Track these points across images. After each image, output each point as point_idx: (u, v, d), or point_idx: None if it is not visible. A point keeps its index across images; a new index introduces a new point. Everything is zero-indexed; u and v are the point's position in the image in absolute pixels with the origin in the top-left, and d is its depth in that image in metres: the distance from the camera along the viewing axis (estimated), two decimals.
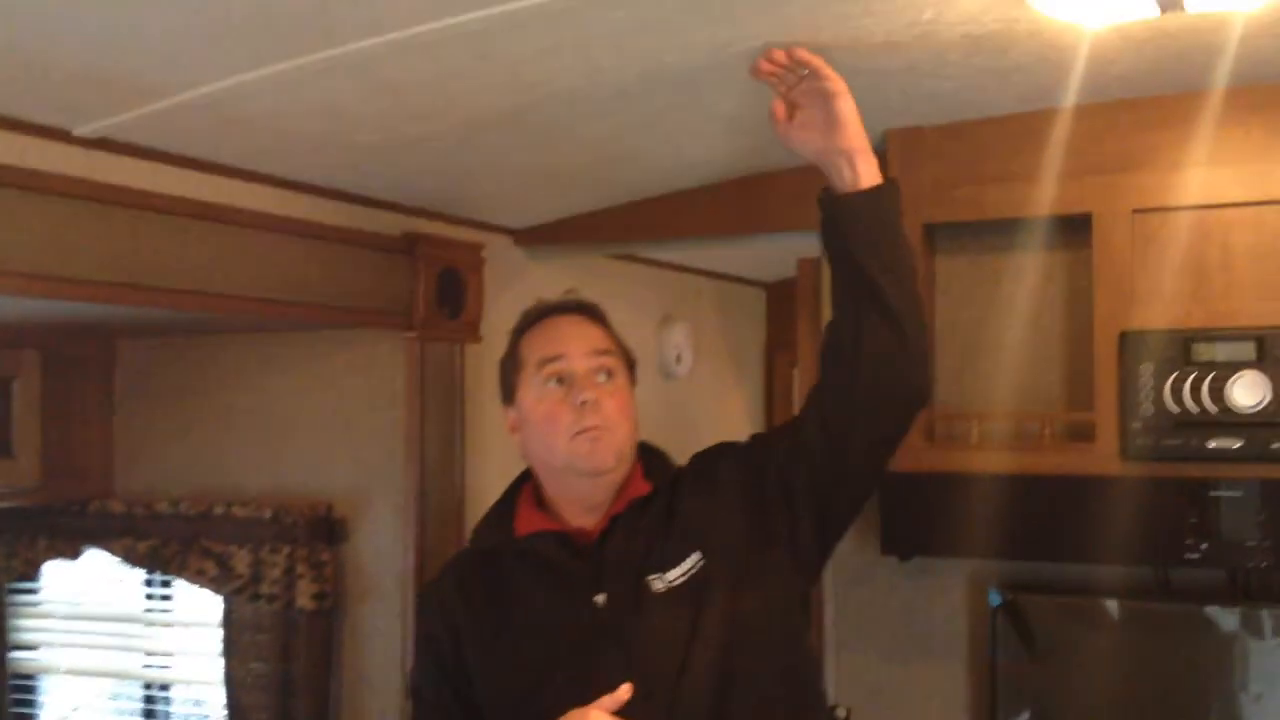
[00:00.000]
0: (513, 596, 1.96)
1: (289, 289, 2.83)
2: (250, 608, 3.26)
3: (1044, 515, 2.77)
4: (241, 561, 3.25)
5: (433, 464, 3.25)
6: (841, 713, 3.11)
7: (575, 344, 1.99)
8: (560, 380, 1.96)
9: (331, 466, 3.34)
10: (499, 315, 3.54)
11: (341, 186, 2.98)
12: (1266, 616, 2.63)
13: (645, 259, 4.30)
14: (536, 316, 2.06)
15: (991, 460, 2.84)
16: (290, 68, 2.07)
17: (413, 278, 3.20)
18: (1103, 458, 2.71)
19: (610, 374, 1.99)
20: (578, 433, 1.91)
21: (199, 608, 3.64)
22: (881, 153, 2.90)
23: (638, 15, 2.01)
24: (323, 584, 3.21)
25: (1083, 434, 2.79)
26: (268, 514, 3.27)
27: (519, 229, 3.64)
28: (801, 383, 3.80)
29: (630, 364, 2.07)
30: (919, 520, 2.91)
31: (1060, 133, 2.72)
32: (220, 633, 3.36)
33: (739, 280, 5.00)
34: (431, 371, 3.27)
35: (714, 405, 4.86)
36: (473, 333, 3.41)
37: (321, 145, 2.64)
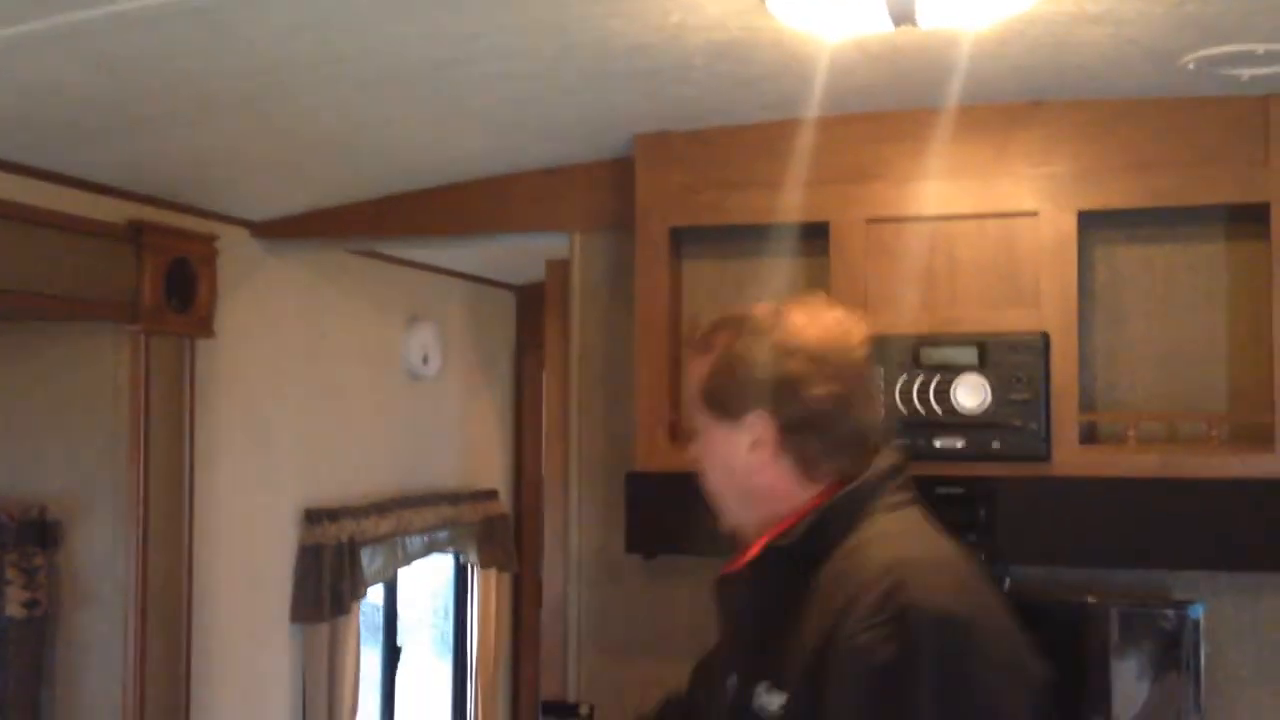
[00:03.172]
0: None
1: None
2: None
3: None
4: None
5: (158, 465, 3.09)
6: (584, 710, 3.12)
7: None
8: None
9: (45, 466, 3.12)
10: (234, 310, 3.40)
11: (60, 169, 2.80)
12: None
13: (391, 257, 4.21)
14: None
15: None
16: None
17: (138, 268, 3.03)
18: None
19: (696, 432, 1.76)
20: None
21: None
22: (629, 157, 2.94)
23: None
24: (34, 590, 3.00)
25: None
26: None
27: (258, 221, 3.50)
28: (550, 386, 3.78)
29: (715, 402, 1.71)
30: (661, 519, 2.93)
31: (802, 142, 2.79)
32: None
33: (488, 282, 4.96)
34: (158, 367, 3.11)
35: (463, 406, 4.80)
36: (205, 327, 3.26)
37: (36, 123, 2.46)
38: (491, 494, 4.86)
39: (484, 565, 4.70)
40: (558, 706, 3.20)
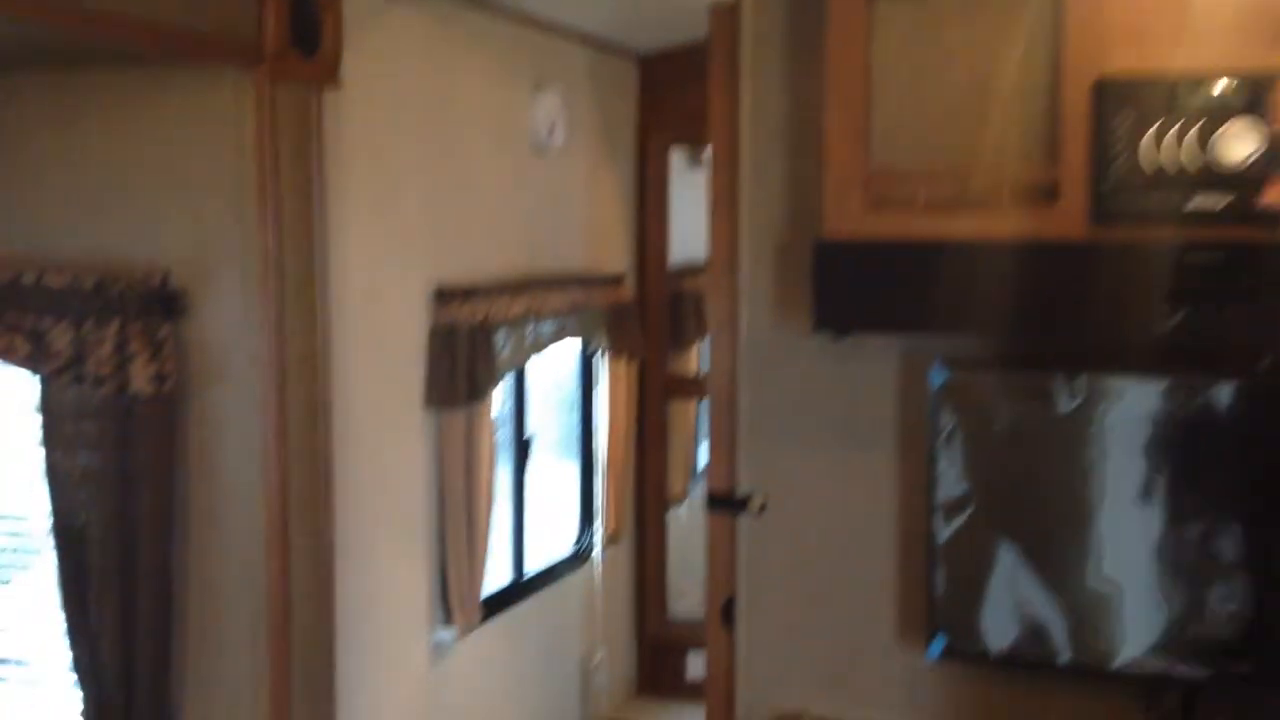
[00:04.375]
0: None
1: None
2: (74, 391, 2.75)
3: (996, 285, 2.48)
4: (60, 338, 2.72)
5: (289, 229, 2.77)
6: (755, 504, 2.85)
7: None
8: None
9: (166, 228, 2.83)
10: (360, 61, 3.04)
11: None
12: (1236, 391, 2.42)
13: (510, 11, 3.80)
14: None
15: (938, 225, 2.53)
16: None
17: (260, 2, 2.67)
18: (1067, 220, 2.43)
19: None
20: None
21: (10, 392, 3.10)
22: None
23: None
24: (161, 364, 2.73)
25: (1044, 195, 2.49)
26: (89, 283, 2.75)
27: None
28: (716, 150, 3.27)
29: None
30: (857, 293, 2.59)
31: None
32: (38, 419, 2.85)
33: (611, 50, 4.54)
34: (285, 119, 2.77)
35: (588, 185, 4.45)
36: (331, 76, 2.91)
37: None
38: (618, 279, 4.54)
39: (614, 353, 4.41)
40: (727, 500, 2.92)
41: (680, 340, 4.96)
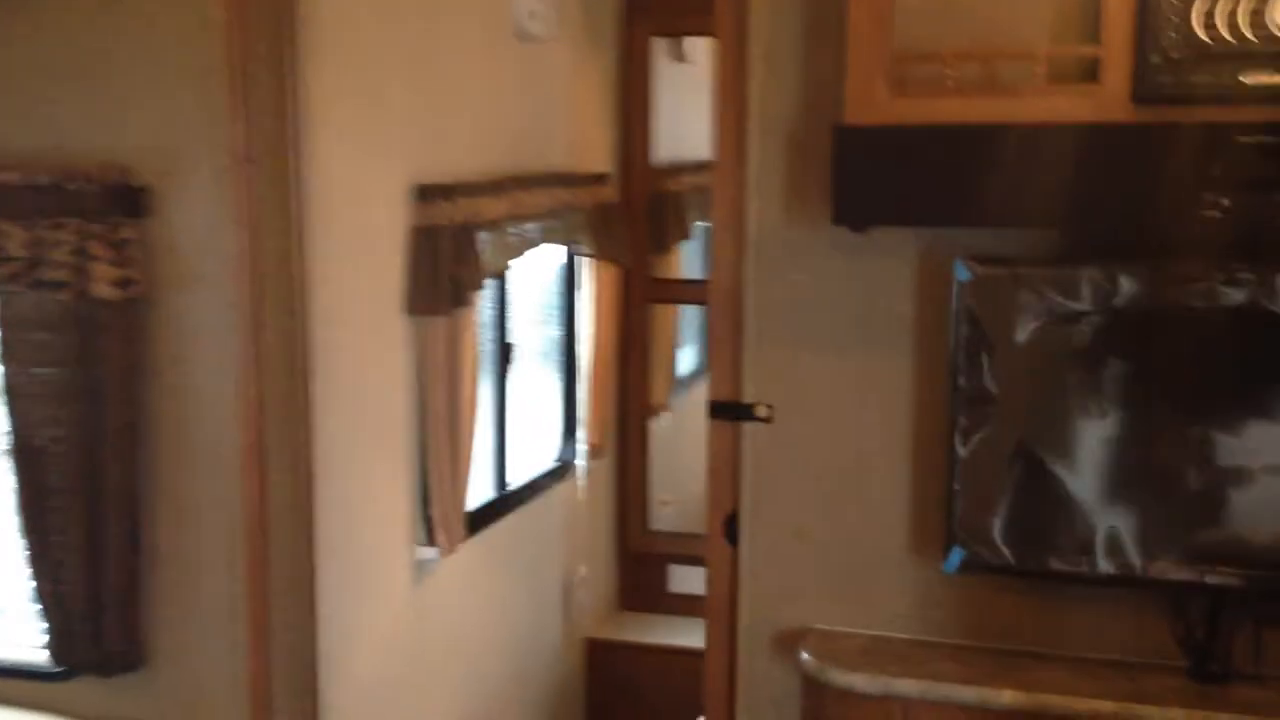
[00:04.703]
0: None
1: None
2: (31, 299, 2.54)
3: (1030, 173, 2.32)
4: (13, 240, 2.50)
5: (262, 120, 2.55)
6: (762, 411, 2.70)
7: None
8: None
9: (128, 119, 2.60)
10: None
11: None
12: None
13: None
14: None
15: (968, 109, 2.36)
16: None
17: None
18: (1110, 101, 2.28)
19: None
20: None
21: None
22: None
23: None
24: (125, 268, 2.52)
25: (1085, 74, 2.32)
26: (44, 180, 2.52)
27: None
28: (722, 34, 2.96)
29: None
30: (880, 184, 2.42)
31: None
32: None
33: None
34: None
35: (572, 77, 4.22)
36: None
37: None
38: (602, 178, 4.32)
39: (599, 257, 4.21)
40: (731, 407, 2.76)
41: (662, 243, 4.76)
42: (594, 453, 4.44)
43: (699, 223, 5.00)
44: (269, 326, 2.60)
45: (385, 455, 3.23)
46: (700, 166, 5.04)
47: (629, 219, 4.53)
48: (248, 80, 2.50)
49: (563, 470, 4.37)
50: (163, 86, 2.55)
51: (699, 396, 5.37)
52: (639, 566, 4.89)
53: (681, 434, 5.12)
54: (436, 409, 3.28)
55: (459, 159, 3.43)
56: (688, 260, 5.10)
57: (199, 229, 2.56)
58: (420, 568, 3.42)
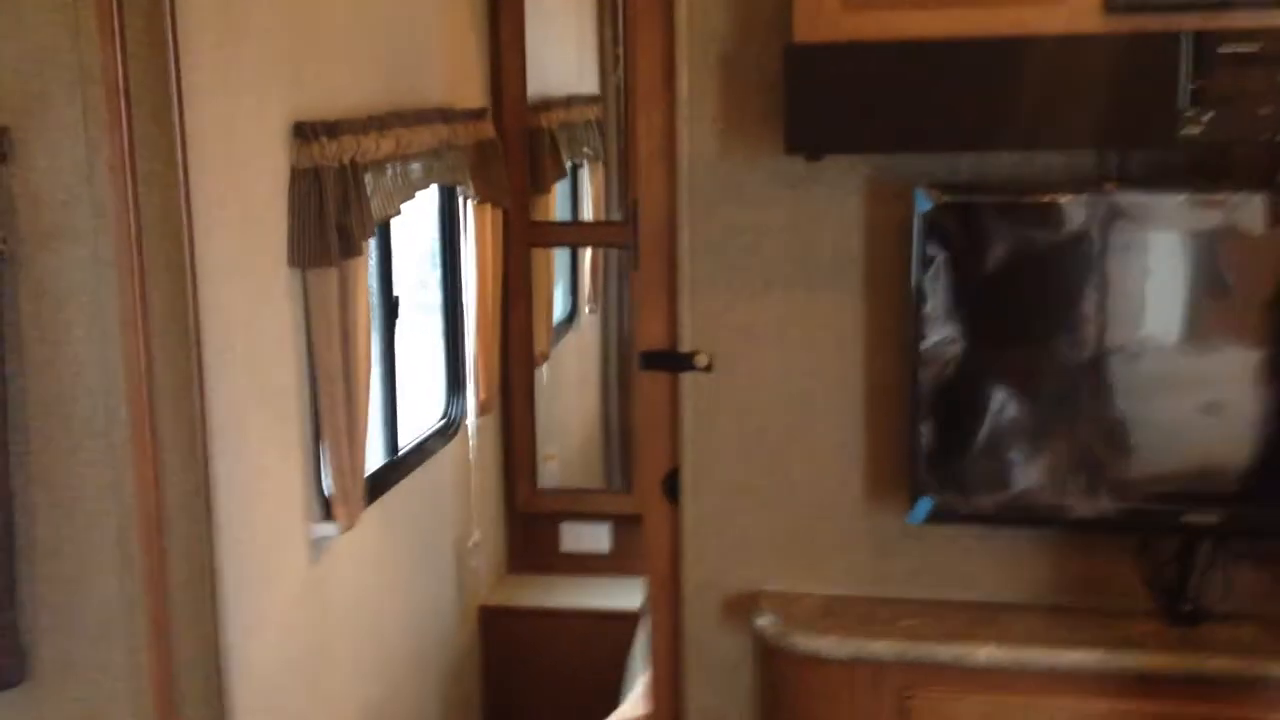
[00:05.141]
0: None
1: None
2: None
3: (996, 90, 2.16)
4: None
5: (138, 44, 2.20)
6: (701, 360, 2.50)
7: None
8: None
9: None
10: None
11: None
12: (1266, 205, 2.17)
13: None
14: None
15: (929, 21, 2.18)
16: None
17: None
18: (1077, 10, 2.12)
19: None
20: None
21: None
22: None
23: None
24: None
25: None
26: None
27: None
28: None
29: None
30: (834, 107, 2.23)
31: None
32: None
33: None
34: None
35: (441, 9, 3.92)
36: None
37: None
38: (480, 113, 4.04)
39: (479, 198, 3.93)
40: (667, 356, 2.56)
41: (540, 183, 4.51)
42: (482, 408, 4.18)
43: (570, 161, 4.77)
44: (153, 286, 2.27)
45: (277, 426, 2.93)
46: (570, 100, 4.82)
47: (507, 158, 4.25)
48: (119, 5, 2.15)
49: (451, 429, 4.11)
50: (24, 12, 2.17)
51: (572, 344, 5.21)
52: (529, 527, 4.68)
53: (558, 384, 4.91)
54: (330, 371, 2.98)
55: (336, 94, 3.11)
56: (560, 202, 4.87)
57: (67, 175, 2.19)
58: (317, 546, 3.13)
